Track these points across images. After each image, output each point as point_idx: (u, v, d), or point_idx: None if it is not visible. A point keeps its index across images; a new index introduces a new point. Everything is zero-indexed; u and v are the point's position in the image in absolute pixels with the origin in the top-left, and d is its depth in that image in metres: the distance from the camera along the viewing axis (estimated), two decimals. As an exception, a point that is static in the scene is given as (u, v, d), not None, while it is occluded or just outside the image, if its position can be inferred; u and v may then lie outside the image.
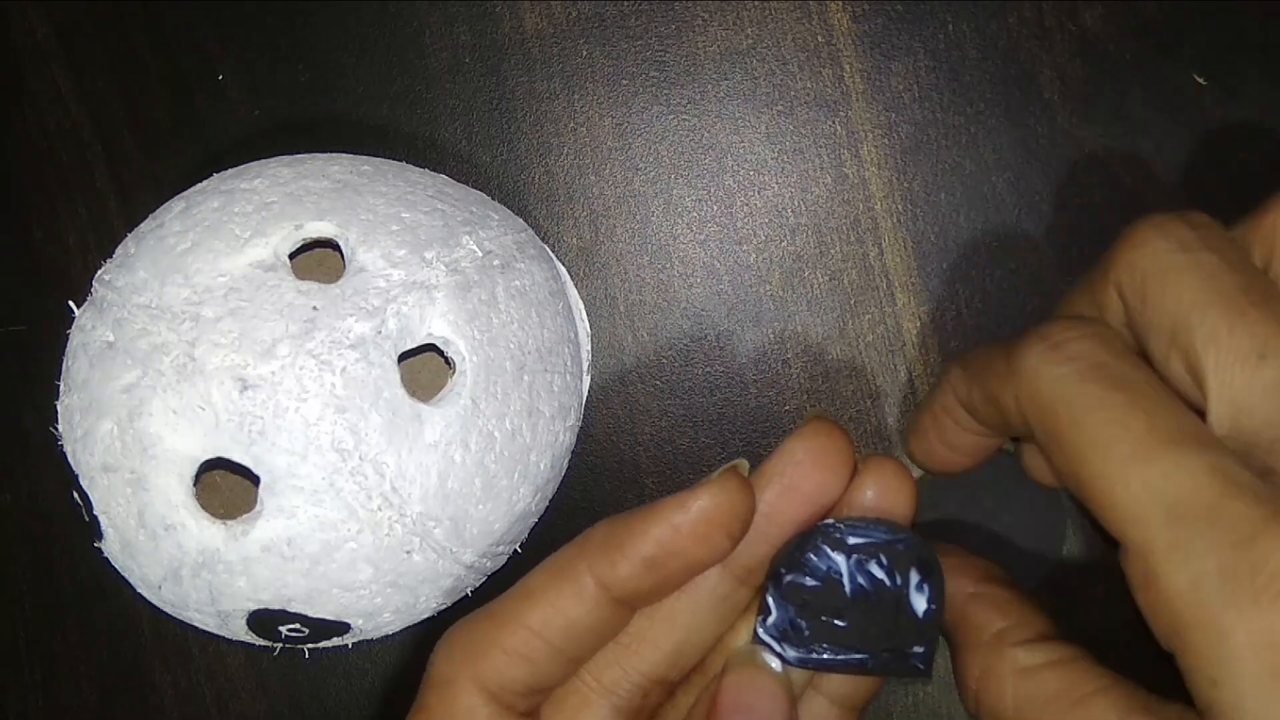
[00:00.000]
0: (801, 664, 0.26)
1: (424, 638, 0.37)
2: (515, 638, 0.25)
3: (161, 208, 0.32)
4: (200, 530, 0.28)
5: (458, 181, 0.34)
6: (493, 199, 0.34)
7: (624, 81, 0.37)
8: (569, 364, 0.33)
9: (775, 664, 0.26)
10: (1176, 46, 0.36)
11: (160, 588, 0.30)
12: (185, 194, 0.32)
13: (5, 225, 0.38)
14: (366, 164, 0.32)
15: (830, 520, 0.26)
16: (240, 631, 0.31)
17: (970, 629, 0.26)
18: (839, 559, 0.26)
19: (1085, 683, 0.24)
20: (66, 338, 0.31)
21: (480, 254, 0.31)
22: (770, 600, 0.26)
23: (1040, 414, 0.24)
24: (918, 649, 0.26)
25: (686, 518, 0.24)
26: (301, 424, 0.28)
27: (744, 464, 0.25)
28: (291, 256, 0.30)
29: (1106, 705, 0.23)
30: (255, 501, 0.28)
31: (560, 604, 0.25)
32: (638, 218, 0.37)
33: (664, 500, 0.25)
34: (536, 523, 0.33)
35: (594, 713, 0.26)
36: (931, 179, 0.37)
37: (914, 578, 0.26)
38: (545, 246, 0.35)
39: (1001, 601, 0.26)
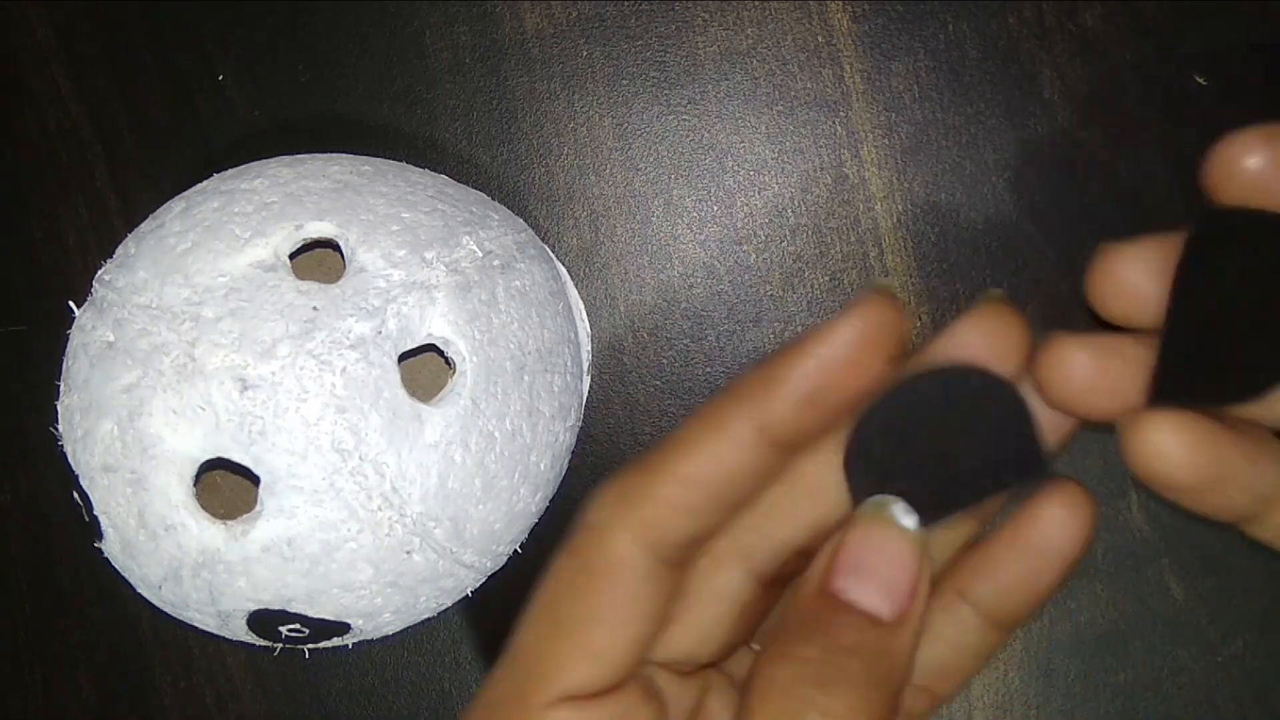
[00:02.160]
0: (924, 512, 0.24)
1: (424, 638, 0.37)
2: (672, 487, 0.23)
3: (161, 208, 0.32)
4: (200, 530, 0.28)
5: (458, 181, 0.34)
6: (493, 199, 0.34)
7: (624, 81, 0.37)
8: (569, 364, 0.33)
9: (909, 521, 0.23)
10: (1176, 46, 0.36)
11: (160, 588, 0.30)
12: (185, 194, 0.32)
13: (5, 225, 0.38)
14: (366, 164, 0.32)
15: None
16: (240, 631, 0.31)
17: None
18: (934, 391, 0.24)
19: None
20: (66, 338, 0.31)
21: (480, 254, 0.31)
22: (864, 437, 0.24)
23: None
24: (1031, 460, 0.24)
25: (835, 348, 0.22)
26: (302, 424, 0.28)
27: (889, 283, 0.24)
28: (291, 256, 0.30)
29: None
30: (255, 501, 0.28)
31: (718, 451, 0.23)
32: (638, 218, 0.37)
33: (812, 332, 0.23)
34: (536, 523, 0.33)
35: (729, 575, 0.25)
36: (931, 179, 0.37)
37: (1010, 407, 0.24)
38: (545, 246, 0.35)
39: None
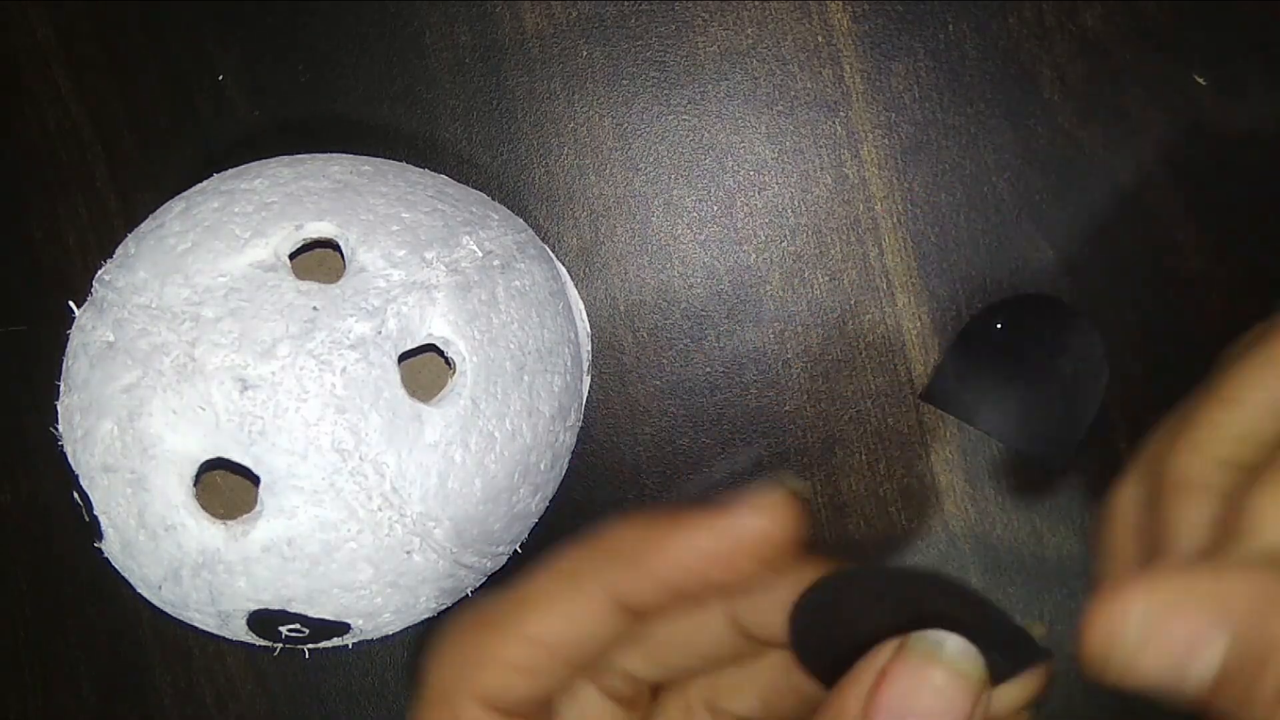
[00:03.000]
0: None
1: (424, 638, 0.37)
2: (517, 650, 0.23)
3: (161, 208, 0.32)
4: (200, 530, 0.28)
5: (458, 181, 0.34)
6: (493, 199, 0.34)
7: (624, 81, 0.37)
8: (569, 364, 0.33)
9: (968, 663, 0.20)
10: (1176, 46, 0.36)
11: (160, 588, 0.30)
12: (185, 194, 0.32)
13: (5, 225, 0.38)
14: (366, 164, 0.32)
15: None
16: (240, 631, 0.31)
17: None
18: None
19: None
20: (66, 338, 0.31)
21: (480, 254, 0.31)
22: None
23: None
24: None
25: (718, 542, 0.21)
26: (302, 424, 0.28)
27: (802, 487, 0.22)
28: (291, 257, 0.30)
29: None
30: (255, 501, 0.28)
31: (568, 614, 0.22)
32: (638, 218, 0.37)
33: (693, 513, 0.22)
34: (536, 523, 0.33)
35: (587, 697, 0.24)
36: (931, 179, 0.37)
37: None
38: (545, 246, 0.35)
39: None
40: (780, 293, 0.37)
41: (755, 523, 0.21)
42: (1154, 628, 0.20)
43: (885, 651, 0.21)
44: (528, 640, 0.23)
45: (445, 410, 0.29)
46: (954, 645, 0.20)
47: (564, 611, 0.23)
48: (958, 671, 0.20)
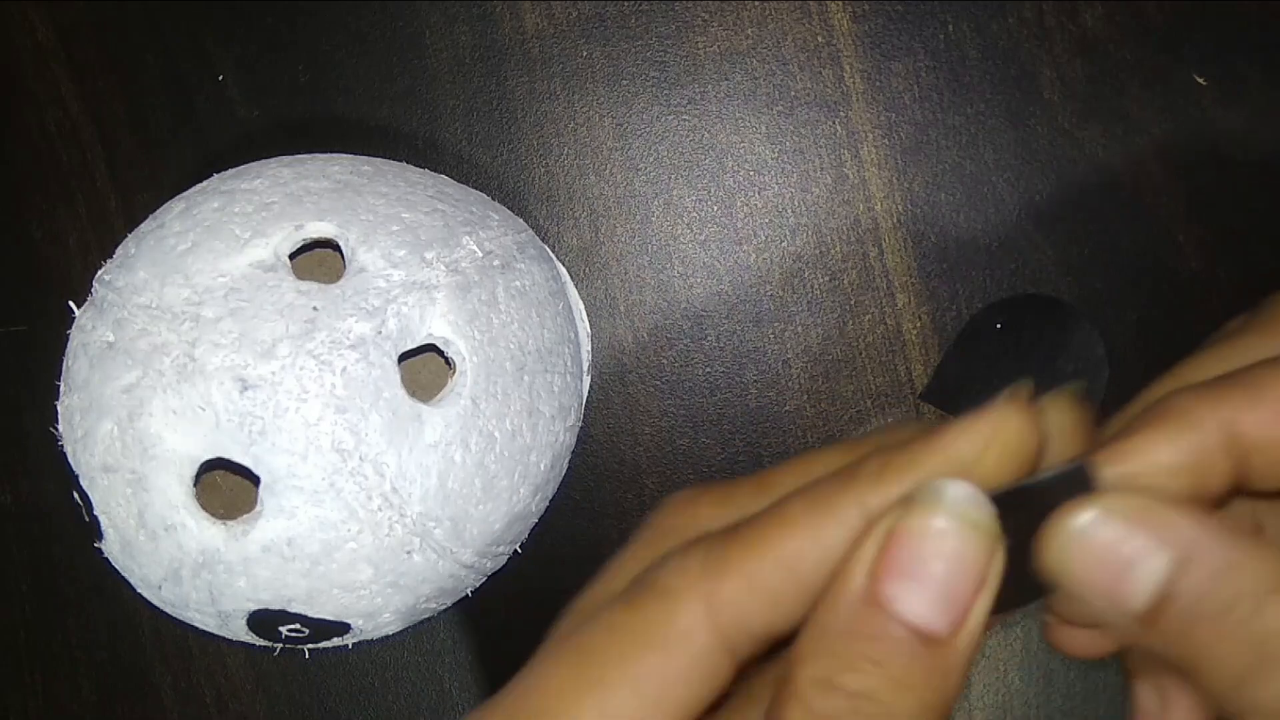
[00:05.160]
0: None
1: (424, 638, 0.37)
2: (764, 567, 0.20)
3: (161, 208, 0.32)
4: (200, 530, 0.28)
5: (458, 181, 0.34)
6: (493, 199, 0.34)
7: (624, 81, 0.37)
8: (569, 364, 0.33)
9: (979, 511, 0.19)
10: (1176, 46, 0.36)
11: (160, 588, 0.30)
12: (185, 194, 0.32)
13: (5, 225, 0.38)
14: (366, 164, 0.32)
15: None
16: (240, 632, 0.31)
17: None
18: None
19: None
20: (66, 338, 0.31)
21: (480, 254, 0.31)
22: None
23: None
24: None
25: (967, 447, 0.19)
26: (302, 424, 0.28)
27: (1026, 389, 0.20)
28: (292, 257, 0.30)
29: None
30: (255, 501, 0.28)
31: (821, 536, 0.20)
32: (638, 218, 0.37)
33: (938, 428, 0.20)
34: (536, 523, 0.33)
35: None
36: (931, 179, 0.37)
37: None
38: (545, 246, 0.35)
39: None
40: (780, 293, 0.37)
41: (999, 426, 0.20)
42: (1099, 535, 0.20)
43: (891, 513, 0.20)
44: (776, 560, 0.20)
45: (445, 410, 0.29)
46: (955, 492, 0.19)
47: (816, 533, 0.20)
48: (965, 520, 0.19)
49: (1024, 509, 0.20)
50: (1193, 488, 0.20)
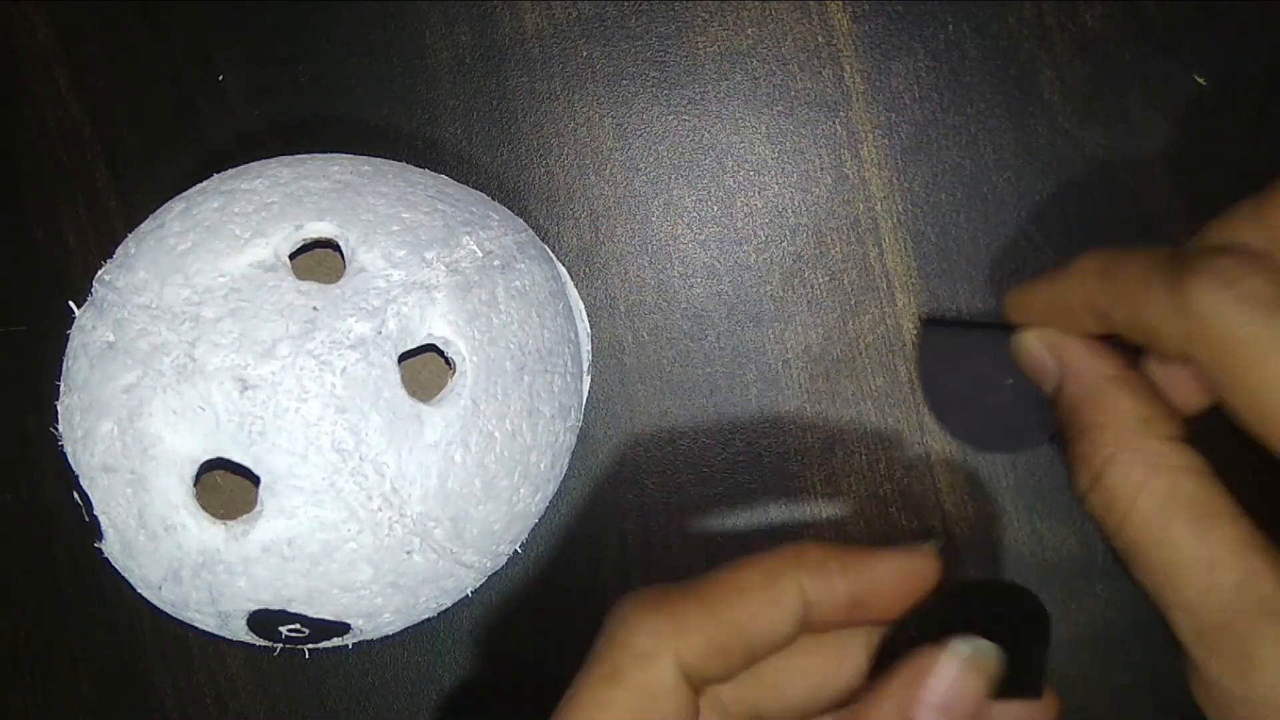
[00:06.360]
0: None
1: (424, 638, 0.37)
2: (721, 628, 0.24)
3: (161, 208, 0.32)
4: (200, 530, 0.28)
5: (458, 181, 0.34)
6: (493, 199, 0.34)
7: (624, 81, 0.37)
8: (569, 364, 0.33)
9: (994, 673, 0.25)
10: (1176, 46, 0.36)
11: (160, 588, 0.30)
12: (185, 194, 0.32)
13: (5, 225, 0.38)
14: (366, 164, 0.32)
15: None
16: (240, 632, 0.31)
17: (1108, 410, 0.25)
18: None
19: (1216, 501, 0.23)
20: (66, 338, 0.31)
21: (480, 254, 0.31)
22: None
23: (1216, 354, 0.23)
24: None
25: (905, 568, 0.25)
26: (302, 424, 0.28)
27: (937, 545, 0.26)
28: (291, 257, 0.30)
29: (1233, 532, 0.23)
30: (255, 502, 0.28)
31: (767, 608, 0.25)
32: (638, 218, 0.37)
33: (884, 548, 0.26)
34: (536, 523, 0.33)
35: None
36: (931, 179, 0.37)
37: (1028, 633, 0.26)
38: (545, 246, 0.35)
39: (1144, 390, 0.26)
40: (780, 293, 0.37)
41: (927, 561, 0.26)
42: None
43: (925, 653, 0.24)
44: (731, 624, 0.24)
45: (445, 410, 0.29)
46: (991, 657, 0.24)
47: (764, 605, 0.25)
48: (988, 674, 0.24)
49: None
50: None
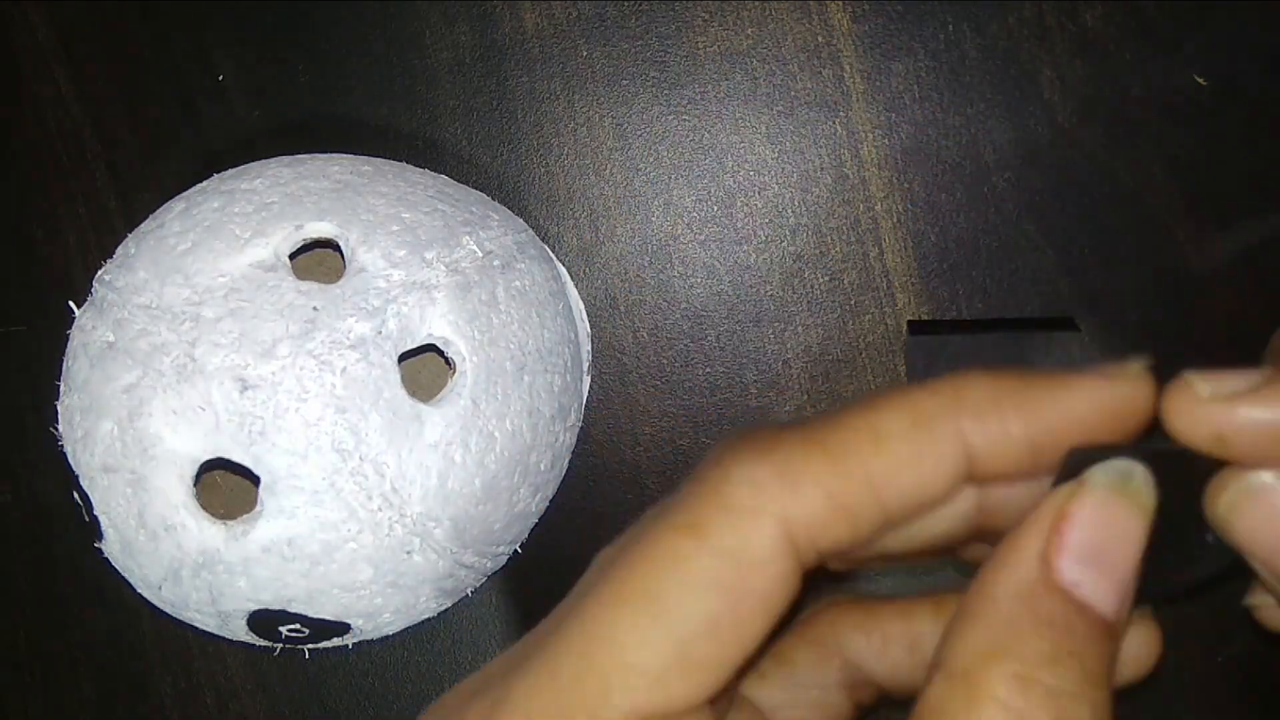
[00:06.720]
0: None
1: (424, 638, 0.37)
2: (847, 483, 0.18)
3: (162, 208, 0.32)
4: (200, 530, 0.28)
5: (458, 181, 0.34)
6: (493, 199, 0.34)
7: (624, 81, 0.37)
8: (569, 364, 0.33)
9: (1150, 498, 0.18)
10: (1176, 46, 0.36)
11: (160, 588, 0.30)
12: (185, 194, 0.32)
13: (5, 225, 0.38)
14: (366, 164, 0.32)
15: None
16: (240, 632, 0.31)
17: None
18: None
19: None
20: (66, 338, 0.31)
21: (480, 254, 0.31)
22: None
23: None
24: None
25: (1106, 397, 0.18)
26: (302, 424, 0.28)
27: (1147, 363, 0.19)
28: (292, 257, 0.30)
29: None
30: (255, 502, 0.28)
31: (918, 457, 0.18)
32: (638, 218, 0.37)
33: (1069, 373, 0.19)
34: (536, 523, 0.33)
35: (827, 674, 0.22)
36: (931, 179, 0.37)
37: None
38: (545, 246, 0.35)
39: None
40: (780, 293, 0.37)
41: (1125, 391, 0.19)
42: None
43: (1062, 492, 0.18)
44: (865, 477, 0.18)
45: (445, 410, 0.29)
46: (1140, 475, 0.19)
47: (913, 454, 0.18)
48: (1140, 504, 0.19)
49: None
50: None
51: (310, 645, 0.32)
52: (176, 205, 0.31)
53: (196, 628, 0.31)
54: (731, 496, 0.18)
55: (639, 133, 0.37)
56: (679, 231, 0.37)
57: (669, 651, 0.17)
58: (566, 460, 0.33)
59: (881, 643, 0.22)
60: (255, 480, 0.28)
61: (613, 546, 0.20)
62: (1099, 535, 0.18)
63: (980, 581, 0.18)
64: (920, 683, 0.18)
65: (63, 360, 0.31)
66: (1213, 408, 0.18)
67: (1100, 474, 0.19)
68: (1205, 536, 0.20)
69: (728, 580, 0.18)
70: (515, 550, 0.33)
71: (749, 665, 0.19)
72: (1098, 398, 0.19)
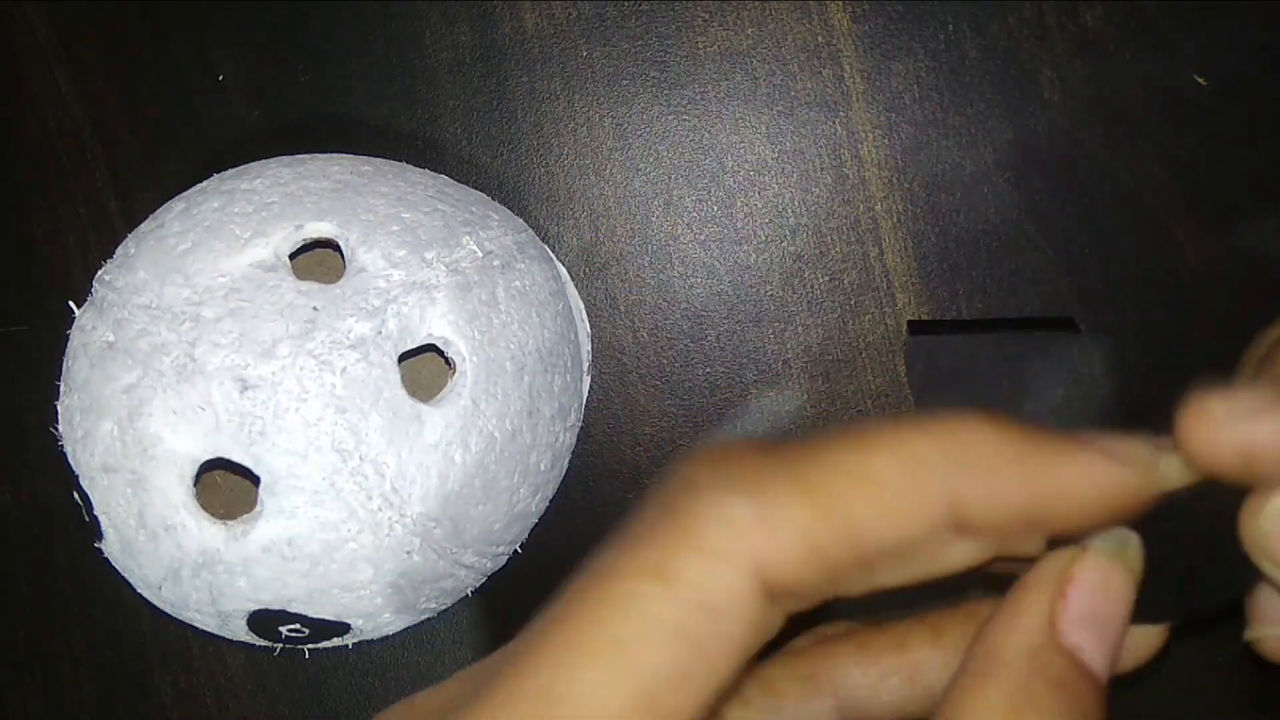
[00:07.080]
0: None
1: (424, 638, 0.37)
2: (829, 528, 0.17)
3: (162, 208, 0.32)
4: (200, 530, 0.28)
5: (458, 181, 0.34)
6: (493, 199, 0.34)
7: (624, 81, 0.37)
8: (569, 364, 0.33)
9: (1139, 566, 0.19)
10: (1176, 46, 0.36)
11: (160, 588, 0.30)
12: (185, 194, 0.32)
13: (5, 225, 0.38)
14: (366, 164, 0.32)
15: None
16: (240, 632, 0.31)
17: None
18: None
19: None
20: (66, 338, 0.31)
21: (480, 254, 0.31)
22: None
23: None
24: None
25: (1109, 476, 0.18)
26: (302, 424, 0.28)
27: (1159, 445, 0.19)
28: (292, 257, 0.30)
29: None
30: (255, 502, 0.28)
31: (903, 507, 0.17)
32: (638, 218, 0.37)
33: (1081, 441, 0.18)
34: (536, 523, 0.33)
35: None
36: (931, 179, 0.37)
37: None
38: (545, 247, 0.35)
39: None
40: (780, 293, 0.37)
41: (1127, 480, 0.18)
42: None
43: (1063, 557, 0.18)
44: (845, 521, 0.17)
45: (445, 410, 0.29)
46: (1134, 542, 0.19)
47: (894, 503, 0.17)
48: (1134, 571, 0.19)
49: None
50: None
51: (310, 645, 0.32)
52: (176, 205, 0.31)
53: (196, 628, 0.31)
54: (702, 536, 0.17)
55: (639, 133, 0.37)
56: (679, 231, 0.37)
57: (634, 703, 0.17)
58: (566, 460, 0.33)
59: (879, 676, 0.22)
60: (255, 480, 0.28)
61: (576, 580, 0.18)
62: (1098, 601, 0.19)
63: (988, 641, 0.18)
64: (921, 712, 0.19)
65: (63, 360, 0.31)
66: (1234, 427, 0.18)
67: (1101, 541, 0.19)
68: (1212, 566, 0.20)
69: (696, 629, 0.17)
70: (515, 550, 0.33)
71: (722, 702, 0.18)
72: (1098, 481, 0.18)
